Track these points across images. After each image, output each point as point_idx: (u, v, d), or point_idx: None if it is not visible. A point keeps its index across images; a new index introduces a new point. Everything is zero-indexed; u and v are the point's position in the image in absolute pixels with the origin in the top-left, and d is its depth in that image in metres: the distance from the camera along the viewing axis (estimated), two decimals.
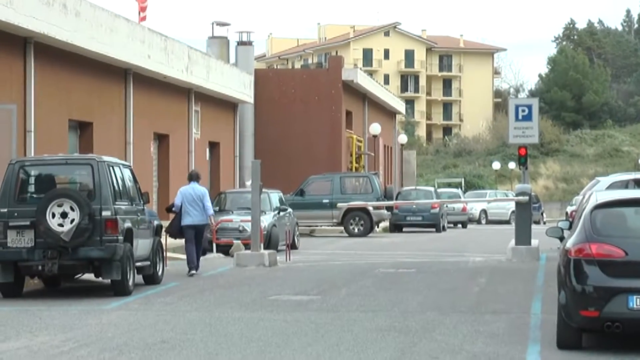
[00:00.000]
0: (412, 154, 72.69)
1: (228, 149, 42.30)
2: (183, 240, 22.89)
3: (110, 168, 17.71)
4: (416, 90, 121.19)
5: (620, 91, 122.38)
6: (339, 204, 33.39)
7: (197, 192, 22.34)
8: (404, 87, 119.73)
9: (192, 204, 22.18)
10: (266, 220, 27.72)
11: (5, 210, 17.01)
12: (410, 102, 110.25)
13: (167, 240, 22.90)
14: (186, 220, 22.15)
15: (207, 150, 39.84)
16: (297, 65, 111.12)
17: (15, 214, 16.99)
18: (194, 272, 21.87)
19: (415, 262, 24.91)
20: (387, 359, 11.33)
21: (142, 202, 19.05)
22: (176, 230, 22.37)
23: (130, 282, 17.65)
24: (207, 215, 22.34)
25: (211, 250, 26.57)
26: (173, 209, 22.52)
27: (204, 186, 23.43)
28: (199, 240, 22.34)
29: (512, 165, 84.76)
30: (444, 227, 45.67)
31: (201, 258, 22.81)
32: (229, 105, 42.20)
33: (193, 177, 22.76)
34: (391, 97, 65.26)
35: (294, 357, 11.50)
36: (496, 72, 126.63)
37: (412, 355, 11.57)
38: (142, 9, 36.94)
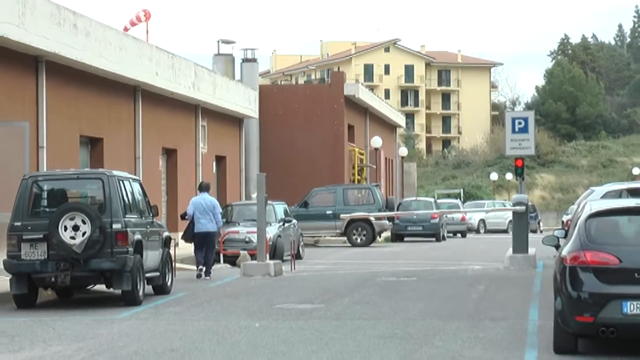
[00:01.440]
0: (413, 166, 72.90)
1: (234, 163, 42.50)
2: (192, 250, 24.09)
3: (120, 182, 17.95)
4: (416, 104, 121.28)
5: (613, 103, 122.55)
6: (342, 215, 33.74)
7: (208, 202, 23.52)
8: (404, 101, 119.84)
9: (203, 213, 23.42)
10: (271, 231, 28.08)
11: (19, 223, 17.24)
12: (410, 116, 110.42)
13: (176, 252, 23.39)
14: (197, 228, 23.40)
15: (214, 164, 40.07)
16: (301, 81, 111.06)
17: (29, 228, 17.22)
18: (204, 276, 23.10)
19: (416, 270, 25.07)
20: None
21: (151, 215, 19.34)
22: (190, 236, 23.68)
23: (141, 293, 17.86)
24: (217, 225, 23.61)
25: (218, 261, 26.83)
26: (186, 217, 23.75)
27: (213, 197, 24.38)
28: (209, 247, 23.45)
29: (509, 176, 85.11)
30: (443, 236, 45.93)
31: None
32: (234, 121, 42.42)
33: (203, 188, 24.05)
34: (392, 111, 65.55)
35: None
36: (493, 86, 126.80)
37: None
38: (133, 23, 37.08)
